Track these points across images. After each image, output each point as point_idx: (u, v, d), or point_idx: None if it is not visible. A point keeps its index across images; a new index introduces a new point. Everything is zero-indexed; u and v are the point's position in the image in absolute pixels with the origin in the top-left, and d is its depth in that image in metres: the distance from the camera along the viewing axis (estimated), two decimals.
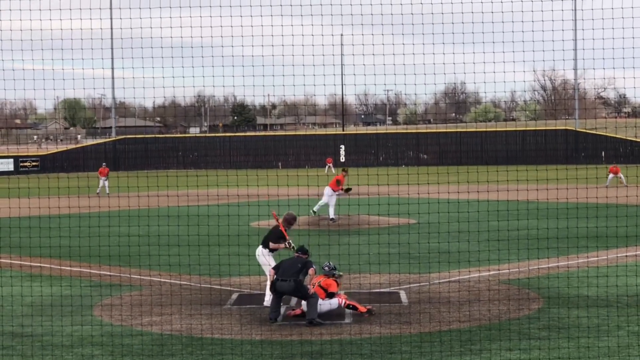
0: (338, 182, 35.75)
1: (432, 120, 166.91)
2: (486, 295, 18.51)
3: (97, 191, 55.26)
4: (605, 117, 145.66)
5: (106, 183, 56.33)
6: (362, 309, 17.27)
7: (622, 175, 57.05)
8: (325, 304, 17.20)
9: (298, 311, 17.25)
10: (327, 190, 35.75)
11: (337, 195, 35.87)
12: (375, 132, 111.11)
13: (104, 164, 62.80)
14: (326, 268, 17.95)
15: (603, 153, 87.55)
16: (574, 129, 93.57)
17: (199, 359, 14.21)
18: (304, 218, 31.61)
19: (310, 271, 17.16)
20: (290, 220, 18.98)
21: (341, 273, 18.33)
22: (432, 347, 14.51)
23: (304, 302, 17.07)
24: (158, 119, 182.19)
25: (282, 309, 17.29)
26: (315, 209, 35.59)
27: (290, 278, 16.92)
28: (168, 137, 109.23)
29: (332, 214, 35.26)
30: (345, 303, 17.32)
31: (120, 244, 22.66)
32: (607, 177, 57.12)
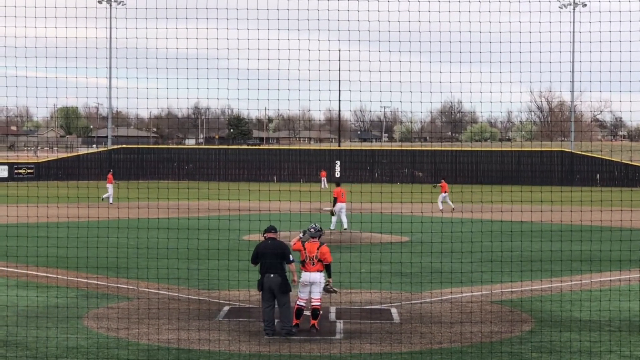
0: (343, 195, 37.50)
1: (428, 138, 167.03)
2: (478, 315, 18.45)
3: (110, 201, 52.79)
4: (601, 140, 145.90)
5: (111, 191, 53.50)
6: (314, 322, 17.16)
7: (447, 197, 49.74)
8: (321, 282, 17.15)
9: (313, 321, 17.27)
10: (343, 205, 37.35)
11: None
12: (370, 148, 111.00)
13: (111, 170, 59.83)
14: (312, 230, 17.62)
15: (598, 175, 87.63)
16: (569, 150, 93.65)
17: None
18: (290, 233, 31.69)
19: (291, 267, 16.99)
20: None
21: (324, 230, 18.15)
22: None
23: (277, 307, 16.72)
24: (154, 129, 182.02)
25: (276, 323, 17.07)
26: (345, 226, 37.05)
27: (276, 272, 16.71)
28: (163, 147, 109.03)
29: (346, 224, 37.19)
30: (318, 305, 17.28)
31: (111, 255, 22.52)
32: (439, 195, 49.77)
